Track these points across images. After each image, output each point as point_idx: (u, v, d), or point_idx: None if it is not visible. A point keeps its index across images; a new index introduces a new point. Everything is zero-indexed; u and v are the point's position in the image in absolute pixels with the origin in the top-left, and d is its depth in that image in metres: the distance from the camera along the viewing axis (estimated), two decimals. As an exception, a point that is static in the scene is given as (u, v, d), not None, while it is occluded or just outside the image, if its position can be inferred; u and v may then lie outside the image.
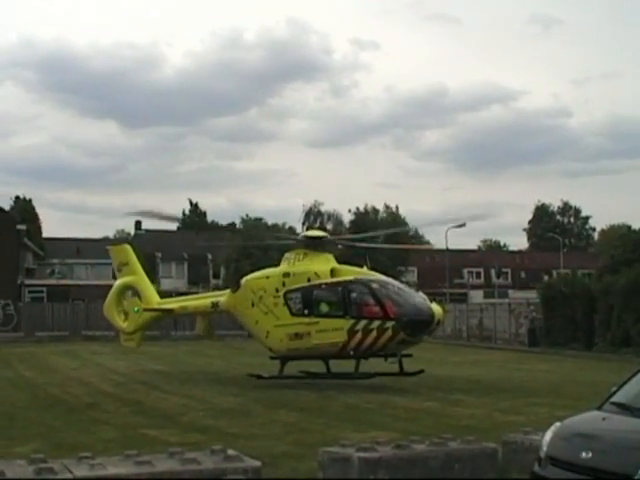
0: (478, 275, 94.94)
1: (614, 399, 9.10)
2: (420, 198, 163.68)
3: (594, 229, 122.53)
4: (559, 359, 36.35)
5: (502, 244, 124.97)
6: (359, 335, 22.64)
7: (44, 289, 68.27)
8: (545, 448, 8.46)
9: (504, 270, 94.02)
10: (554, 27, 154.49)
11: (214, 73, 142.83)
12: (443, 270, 71.32)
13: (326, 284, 23.62)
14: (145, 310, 29.05)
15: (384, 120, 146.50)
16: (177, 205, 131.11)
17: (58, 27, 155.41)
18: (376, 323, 22.43)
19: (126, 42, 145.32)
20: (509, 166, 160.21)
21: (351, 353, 23.04)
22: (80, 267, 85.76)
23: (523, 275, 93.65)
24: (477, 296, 75.35)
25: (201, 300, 28.81)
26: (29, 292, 66.71)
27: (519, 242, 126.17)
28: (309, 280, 23.79)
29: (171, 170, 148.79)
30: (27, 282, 67.48)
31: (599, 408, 9.08)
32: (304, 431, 15.46)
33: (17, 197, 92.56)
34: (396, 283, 24.65)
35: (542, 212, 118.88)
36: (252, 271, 27.00)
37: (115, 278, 33.11)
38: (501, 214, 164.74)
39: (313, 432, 15.23)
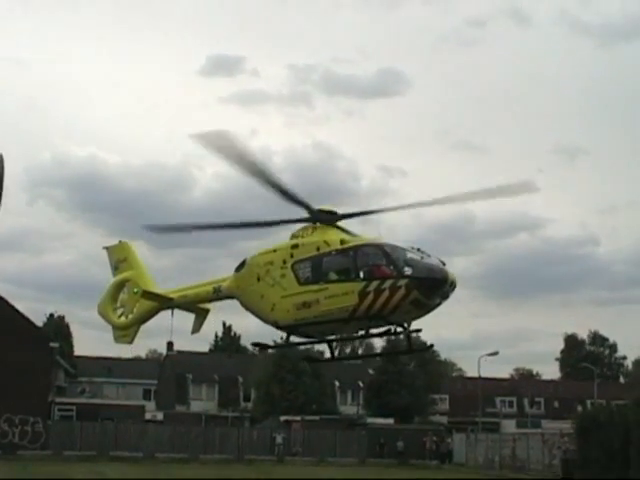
0: (511, 404, 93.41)
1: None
2: (448, 324, 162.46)
3: (624, 357, 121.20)
4: (594, 492, 35.55)
5: (534, 372, 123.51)
6: (371, 296, 21.30)
7: (74, 407, 68.01)
8: None
9: (537, 399, 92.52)
10: (579, 156, 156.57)
11: (243, 196, 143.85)
12: (475, 398, 70.38)
13: (336, 250, 22.43)
14: (144, 294, 27.37)
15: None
16: (210, 327, 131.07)
17: (91, 146, 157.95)
18: (388, 282, 21.17)
19: (157, 163, 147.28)
20: (537, 294, 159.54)
21: (361, 317, 21.71)
22: (110, 386, 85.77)
23: (556, 404, 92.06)
24: (510, 426, 73.83)
25: (202, 287, 26.92)
26: (59, 410, 66.53)
27: (551, 371, 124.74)
28: (318, 249, 22.73)
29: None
30: (57, 400, 67.41)
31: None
32: None
33: (51, 314, 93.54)
34: (410, 247, 22.60)
35: (572, 341, 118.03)
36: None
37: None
38: (533, 342, 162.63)
39: None
